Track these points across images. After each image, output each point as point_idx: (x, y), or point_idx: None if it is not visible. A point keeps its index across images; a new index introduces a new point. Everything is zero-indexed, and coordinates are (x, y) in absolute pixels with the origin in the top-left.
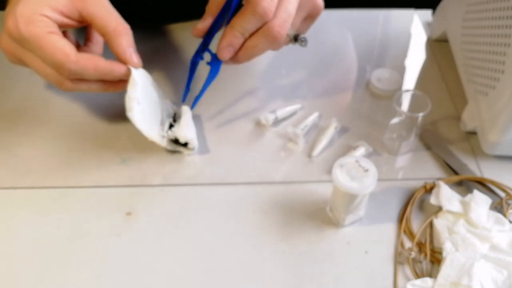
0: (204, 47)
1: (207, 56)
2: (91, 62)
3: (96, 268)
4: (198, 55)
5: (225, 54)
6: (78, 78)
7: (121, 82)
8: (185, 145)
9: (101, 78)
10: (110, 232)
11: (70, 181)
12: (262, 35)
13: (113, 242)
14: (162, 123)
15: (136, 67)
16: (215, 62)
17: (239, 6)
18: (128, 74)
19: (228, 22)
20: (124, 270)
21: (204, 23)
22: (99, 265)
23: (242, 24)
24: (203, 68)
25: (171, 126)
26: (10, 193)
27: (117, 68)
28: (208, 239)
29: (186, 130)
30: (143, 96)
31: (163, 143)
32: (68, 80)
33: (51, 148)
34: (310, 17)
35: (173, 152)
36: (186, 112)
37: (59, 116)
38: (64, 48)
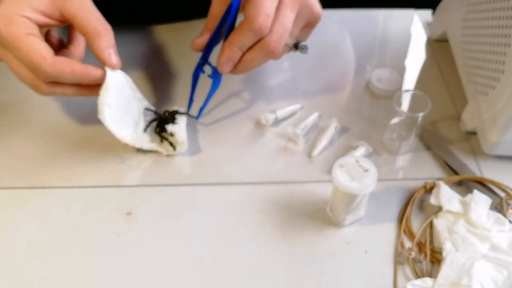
0: (204, 60)
1: (207, 69)
2: (68, 65)
3: (95, 268)
4: (199, 69)
5: (224, 68)
6: (54, 82)
7: (98, 86)
8: (171, 145)
9: (77, 81)
10: (110, 232)
11: (70, 181)
12: (259, 49)
13: (113, 242)
14: (136, 124)
15: (114, 67)
16: (216, 75)
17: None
18: (104, 78)
19: (226, 37)
20: (124, 270)
21: (202, 38)
22: (98, 265)
23: (239, 39)
24: (203, 79)
25: (164, 124)
26: (10, 193)
27: (93, 72)
28: (208, 239)
29: (183, 131)
30: (117, 99)
31: (136, 144)
32: (44, 83)
33: (51, 148)
34: (309, 25)
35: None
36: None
37: (59, 116)
38: (41, 50)
